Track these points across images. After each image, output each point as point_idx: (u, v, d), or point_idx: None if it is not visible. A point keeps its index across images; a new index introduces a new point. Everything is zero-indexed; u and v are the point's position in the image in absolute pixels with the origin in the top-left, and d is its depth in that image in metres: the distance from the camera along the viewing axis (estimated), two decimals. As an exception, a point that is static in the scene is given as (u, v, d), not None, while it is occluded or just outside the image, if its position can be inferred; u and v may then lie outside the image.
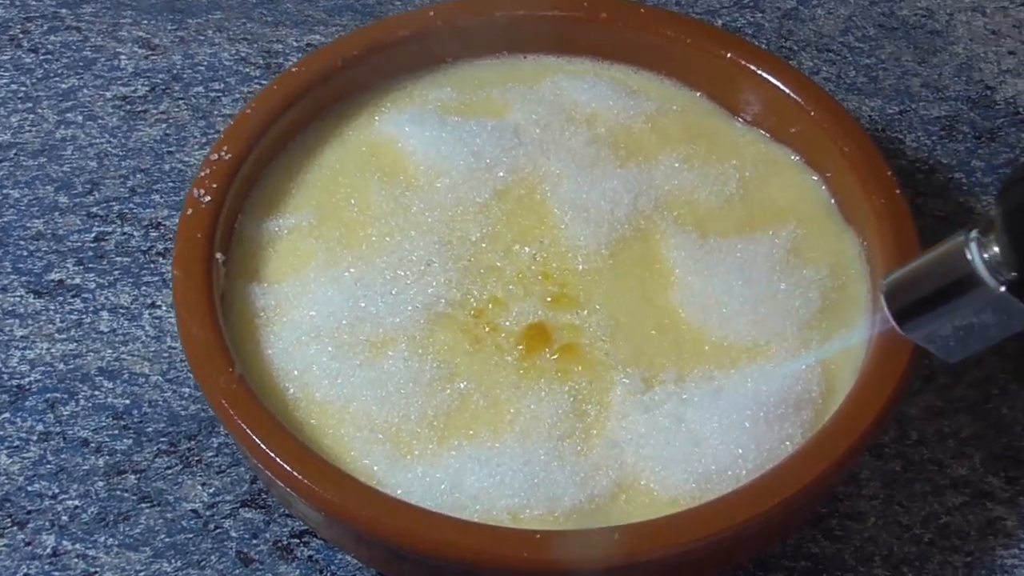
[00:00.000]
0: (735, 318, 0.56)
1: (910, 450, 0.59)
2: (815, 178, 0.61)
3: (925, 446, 0.60)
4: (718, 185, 0.61)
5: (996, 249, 0.44)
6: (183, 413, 0.60)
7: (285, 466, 0.50)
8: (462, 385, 0.54)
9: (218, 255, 0.56)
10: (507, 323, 0.56)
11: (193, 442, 0.60)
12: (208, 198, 0.57)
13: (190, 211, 0.57)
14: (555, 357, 0.55)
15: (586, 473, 0.52)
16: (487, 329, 0.56)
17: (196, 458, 0.59)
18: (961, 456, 0.59)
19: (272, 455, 0.50)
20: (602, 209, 0.59)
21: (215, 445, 0.59)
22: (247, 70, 0.74)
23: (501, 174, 0.61)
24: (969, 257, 0.45)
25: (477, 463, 0.52)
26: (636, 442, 0.52)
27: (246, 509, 0.58)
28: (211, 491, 0.58)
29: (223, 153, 0.58)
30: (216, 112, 0.72)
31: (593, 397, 0.54)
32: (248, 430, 0.51)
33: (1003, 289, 0.44)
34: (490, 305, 0.56)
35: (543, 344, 0.55)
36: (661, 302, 0.57)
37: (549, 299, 0.57)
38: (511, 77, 0.65)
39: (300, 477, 0.49)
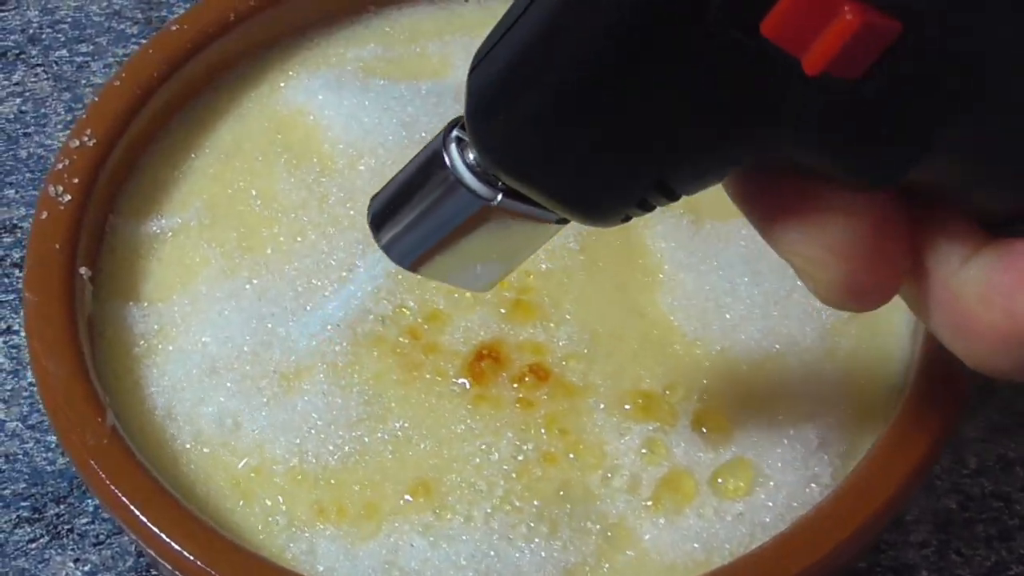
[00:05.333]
0: (741, 325, 0.53)
1: (968, 482, 0.56)
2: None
3: (986, 476, 0.57)
4: (715, 155, 0.57)
5: None
6: (49, 469, 0.57)
7: (171, 543, 0.46)
8: (397, 426, 0.51)
9: (82, 270, 0.53)
10: (451, 342, 0.53)
11: (63, 506, 0.56)
12: (68, 197, 0.54)
13: (45, 214, 0.53)
14: (515, 384, 0.52)
15: (558, 535, 0.48)
16: (425, 352, 0.52)
17: (67, 527, 0.56)
18: (1032, 487, 0.57)
19: (153, 529, 0.46)
20: (570, 191, 0.55)
21: (90, 508, 0.56)
22: (122, 27, 0.71)
23: (440, 150, 0.56)
24: (449, 163, 0.38)
25: (417, 531, 0.48)
26: (622, 491, 0.49)
27: (131, 590, 0.54)
28: (87, 568, 0.55)
29: (86, 138, 0.55)
30: (84, 82, 0.69)
31: (567, 436, 0.51)
32: (123, 498, 0.47)
33: (500, 198, 0.38)
34: (428, 321, 0.53)
35: (498, 368, 0.52)
36: (647, 307, 0.54)
37: (504, 310, 0.53)
38: (450, 26, 0.63)
39: (188, 555, 0.46)
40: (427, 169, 0.39)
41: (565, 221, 0.39)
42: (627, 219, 0.37)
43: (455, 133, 0.38)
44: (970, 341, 0.36)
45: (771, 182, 0.36)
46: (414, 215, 0.40)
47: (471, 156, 0.38)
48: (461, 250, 0.40)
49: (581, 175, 0.36)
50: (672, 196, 0.36)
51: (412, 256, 0.42)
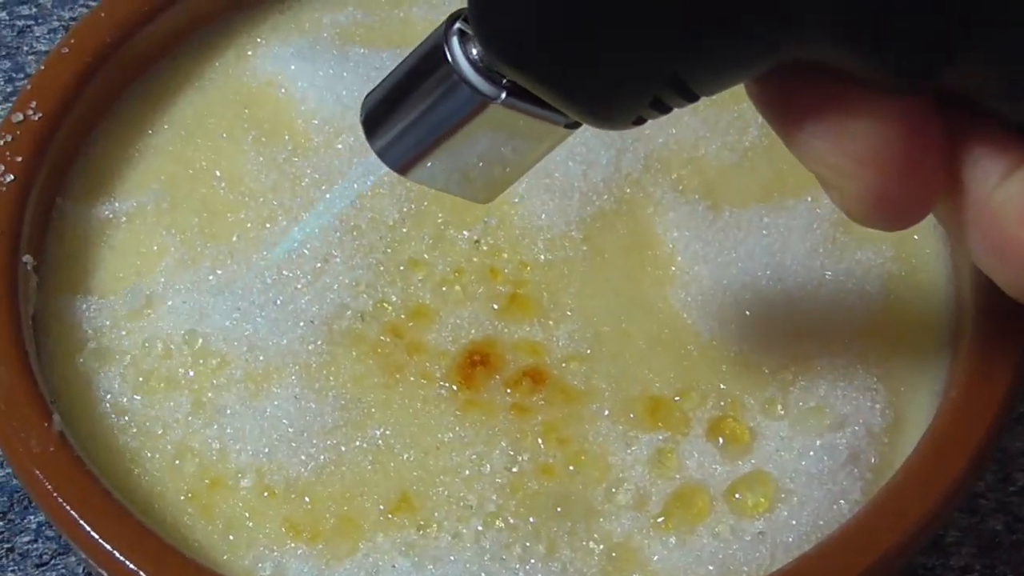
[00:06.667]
0: (762, 324, 0.53)
1: (1015, 501, 0.57)
2: (869, 119, 0.58)
3: (1036, 494, 0.57)
4: (733, 134, 0.58)
5: None
6: (-12, 482, 0.57)
7: (125, 562, 0.46)
8: (377, 433, 0.51)
9: (26, 258, 0.53)
10: (438, 342, 0.53)
11: (2, 523, 0.57)
12: (10, 177, 0.54)
13: (-15, 197, 0.54)
14: (508, 389, 0.52)
15: (556, 555, 0.48)
16: (409, 352, 0.53)
17: (6, 546, 0.56)
18: (1088, 506, 0.57)
19: (105, 547, 0.47)
20: (571, 173, 0.57)
21: (33, 526, 0.56)
22: (70, -12, 0.71)
23: (427, 127, 0.57)
24: (450, 57, 0.39)
25: (399, 550, 0.49)
26: (628, 508, 0.49)
27: (79, 617, 0.54)
28: (29, 593, 0.55)
29: (30, 112, 0.56)
30: (26, 48, 0.69)
31: (566, 446, 0.51)
32: (71, 511, 0.47)
33: (504, 96, 0.39)
34: (412, 317, 0.53)
35: (490, 371, 0.52)
36: (657, 303, 0.54)
37: (497, 306, 0.54)
38: (438, -13, 0.63)
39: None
40: (426, 65, 0.40)
41: (575, 125, 0.40)
42: (640, 121, 0.38)
43: (457, 26, 0.39)
44: (1009, 265, 0.36)
45: (795, 84, 0.36)
46: (411, 115, 0.41)
47: (474, 51, 0.39)
48: (461, 154, 0.41)
49: (591, 67, 0.36)
50: (688, 95, 0.36)
51: (408, 160, 0.42)
